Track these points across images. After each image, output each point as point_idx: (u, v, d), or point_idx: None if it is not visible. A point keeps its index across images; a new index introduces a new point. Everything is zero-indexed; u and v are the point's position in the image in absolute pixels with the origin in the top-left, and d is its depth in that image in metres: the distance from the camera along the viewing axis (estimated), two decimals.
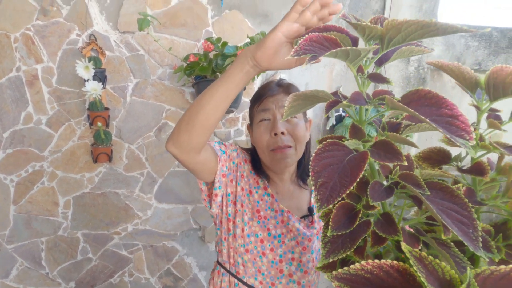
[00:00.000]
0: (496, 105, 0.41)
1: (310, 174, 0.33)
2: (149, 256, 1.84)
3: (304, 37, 0.36)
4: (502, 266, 0.27)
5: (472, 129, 0.29)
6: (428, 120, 0.29)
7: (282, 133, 0.80)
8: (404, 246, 0.32)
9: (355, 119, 0.39)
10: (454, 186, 0.32)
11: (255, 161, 0.90)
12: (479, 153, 0.41)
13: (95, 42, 1.51)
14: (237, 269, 0.86)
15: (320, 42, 0.36)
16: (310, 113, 1.80)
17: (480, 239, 0.28)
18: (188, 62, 1.44)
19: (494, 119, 0.43)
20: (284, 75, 1.79)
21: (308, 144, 0.91)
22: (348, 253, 0.36)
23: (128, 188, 1.74)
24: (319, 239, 0.89)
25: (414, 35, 0.33)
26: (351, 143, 0.35)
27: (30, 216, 1.66)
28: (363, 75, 0.38)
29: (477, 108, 0.42)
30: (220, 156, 0.81)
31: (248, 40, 1.45)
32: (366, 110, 0.39)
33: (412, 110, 0.28)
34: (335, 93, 0.42)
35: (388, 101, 0.31)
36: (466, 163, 0.45)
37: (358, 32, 0.36)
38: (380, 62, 0.41)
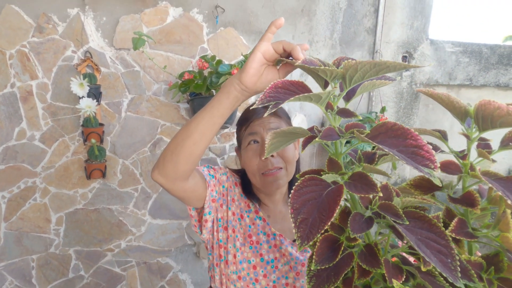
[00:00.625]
0: (485, 134, 0.42)
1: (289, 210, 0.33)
2: (142, 273, 1.81)
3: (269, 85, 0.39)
4: None
5: (437, 157, 0.30)
6: (394, 152, 0.30)
7: (272, 155, 0.80)
8: (395, 283, 0.32)
9: (331, 153, 0.40)
10: (431, 215, 0.33)
11: (246, 184, 0.89)
12: (469, 182, 0.41)
13: (90, 59, 1.52)
14: None
15: (285, 87, 0.38)
16: (304, 127, 1.81)
17: (459, 269, 0.28)
18: (183, 80, 1.45)
19: (484, 148, 0.43)
20: None
21: (297, 163, 0.91)
22: (333, 287, 0.35)
23: (122, 204, 1.72)
24: None
25: (369, 73, 0.36)
26: (328, 177, 0.35)
27: (21, 233, 1.64)
28: (333, 111, 0.39)
29: (467, 137, 0.43)
30: (209, 181, 0.80)
31: (243, 58, 1.47)
32: (341, 143, 0.40)
33: (376, 143, 0.30)
34: (311, 129, 0.43)
35: (357, 135, 0.33)
36: (457, 189, 0.45)
37: (321, 74, 0.39)
38: (348, 97, 0.43)
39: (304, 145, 0.36)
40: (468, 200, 0.39)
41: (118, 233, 1.74)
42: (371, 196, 0.35)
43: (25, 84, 1.55)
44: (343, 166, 0.35)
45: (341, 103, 0.43)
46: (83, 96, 1.43)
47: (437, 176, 0.29)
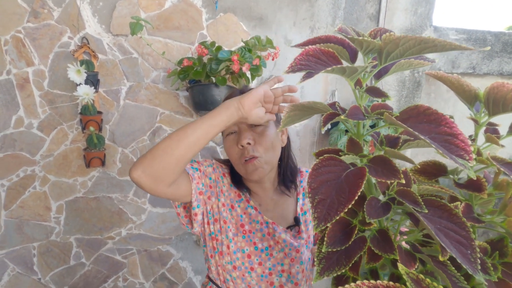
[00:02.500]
0: (494, 119, 0.41)
1: (307, 191, 0.32)
2: (143, 261, 1.82)
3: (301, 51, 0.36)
4: None
5: (472, 148, 0.28)
6: (426, 139, 0.28)
7: (249, 143, 0.78)
8: (401, 267, 0.31)
9: (352, 133, 0.39)
10: (452, 205, 0.31)
11: (234, 174, 0.86)
12: (476, 168, 0.40)
13: (87, 45, 1.49)
14: (228, 285, 0.84)
15: (317, 56, 0.34)
16: None
17: (479, 261, 0.27)
18: (182, 66, 1.43)
19: (492, 133, 0.42)
20: None
21: (286, 148, 0.88)
22: (343, 270, 0.35)
23: (122, 192, 1.72)
24: (308, 248, 0.87)
25: (411, 50, 0.32)
26: (348, 158, 0.34)
27: (22, 221, 1.64)
28: (361, 88, 0.37)
29: (475, 121, 0.42)
30: (192, 175, 0.78)
31: (243, 44, 1.44)
32: (364, 124, 0.38)
33: (411, 130, 0.27)
34: (333, 105, 0.41)
35: (386, 117, 0.31)
36: (463, 175, 0.44)
37: (355, 45, 0.35)
38: (379, 75, 0.40)
39: (326, 122, 0.34)
40: (474, 185, 0.38)
41: (119, 221, 1.74)
42: (388, 181, 0.34)
43: (21, 71, 1.51)
44: (364, 148, 0.34)
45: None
46: (80, 83, 1.41)
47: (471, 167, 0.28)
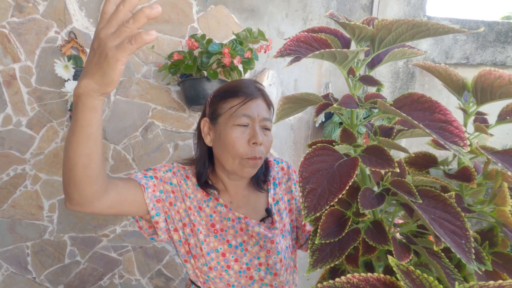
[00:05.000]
0: (483, 108, 0.40)
1: (298, 179, 0.31)
2: (139, 257, 1.81)
3: (291, 37, 0.34)
4: (491, 282, 0.26)
5: (466, 135, 0.27)
6: (421, 126, 0.27)
7: (261, 144, 0.77)
8: (391, 259, 0.31)
9: (346, 123, 0.37)
10: (446, 195, 0.31)
11: (201, 174, 0.83)
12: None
13: (75, 40, 1.45)
14: (208, 285, 0.83)
15: (308, 42, 0.33)
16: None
17: (473, 251, 0.27)
18: (172, 60, 1.40)
19: (481, 122, 0.41)
20: (272, 71, 1.77)
21: None
22: (337, 262, 0.34)
23: None
24: (285, 237, 0.86)
25: (405, 35, 0.31)
26: (341, 148, 0.33)
27: (14, 220, 1.61)
28: (355, 77, 0.36)
29: (464, 111, 0.41)
30: (145, 184, 0.74)
31: (234, 37, 1.42)
32: (358, 113, 0.37)
33: (405, 115, 0.27)
34: (326, 96, 0.40)
35: (380, 105, 0.30)
36: (453, 165, 0.43)
37: (347, 32, 0.34)
38: (372, 64, 0.39)
39: (318, 112, 0.33)
40: (464, 175, 0.37)
41: (113, 219, 1.72)
42: (383, 172, 0.33)
43: (8, 68, 1.48)
44: (358, 140, 0.33)
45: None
46: (68, 79, 1.38)
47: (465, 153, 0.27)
